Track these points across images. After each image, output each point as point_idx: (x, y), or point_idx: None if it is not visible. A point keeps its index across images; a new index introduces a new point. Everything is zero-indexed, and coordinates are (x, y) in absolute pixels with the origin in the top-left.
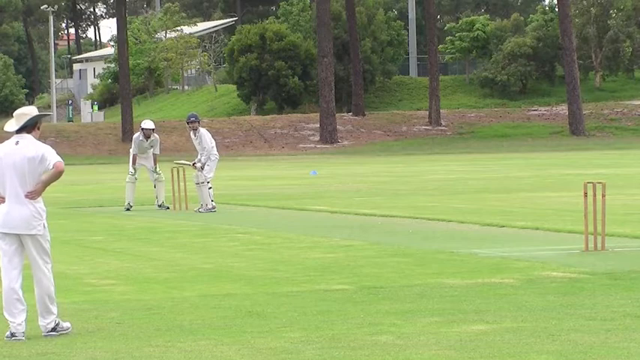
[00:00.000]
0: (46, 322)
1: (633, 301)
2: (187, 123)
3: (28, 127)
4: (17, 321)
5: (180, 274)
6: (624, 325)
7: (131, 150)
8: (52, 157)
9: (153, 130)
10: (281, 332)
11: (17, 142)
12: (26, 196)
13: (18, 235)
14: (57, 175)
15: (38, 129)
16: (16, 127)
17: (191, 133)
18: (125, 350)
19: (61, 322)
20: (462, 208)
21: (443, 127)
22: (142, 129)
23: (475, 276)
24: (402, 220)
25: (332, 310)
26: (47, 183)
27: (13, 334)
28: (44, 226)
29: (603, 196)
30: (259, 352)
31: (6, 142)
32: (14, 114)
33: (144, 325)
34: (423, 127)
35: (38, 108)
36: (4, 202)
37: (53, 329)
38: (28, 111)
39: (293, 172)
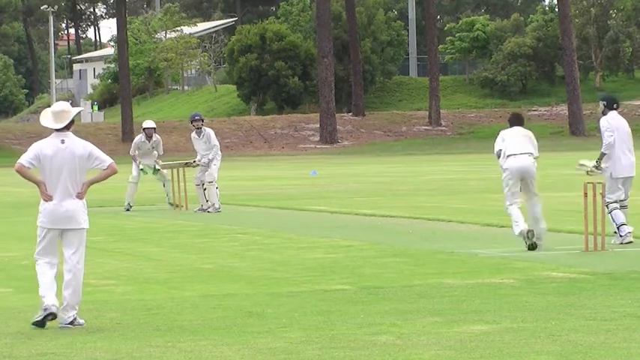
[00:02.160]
0: (68, 315)
1: (633, 301)
2: (191, 122)
3: (67, 124)
4: (50, 301)
5: (180, 274)
6: (624, 326)
7: (130, 152)
8: (105, 157)
9: (154, 129)
10: (281, 332)
11: (63, 141)
12: (77, 197)
13: (61, 230)
14: (110, 175)
15: (73, 124)
16: (60, 126)
17: (194, 132)
18: (125, 350)
19: (78, 318)
20: (462, 208)
21: (443, 128)
22: (144, 129)
23: (475, 276)
24: (402, 220)
25: (332, 310)
26: (94, 182)
27: (46, 309)
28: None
29: (603, 196)
30: (259, 353)
31: (49, 140)
32: (52, 110)
33: (144, 325)
34: (423, 127)
35: (39, 108)
36: (50, 199)
37: (71, 322)
38: (68, 108)
39: (293, 172)
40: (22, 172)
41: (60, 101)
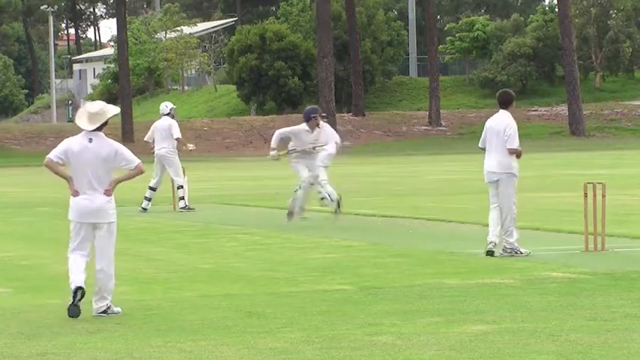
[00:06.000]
0: (100, 306)
1: (633, 302)
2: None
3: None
4: (78, 280)
5: (180, 274)
6: (624, 326)
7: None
8: (133, 158)
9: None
10: (281, 333)
11: (90, 140)
12: (105, 194)
13: (92, 224)
14: (137, 174)
15: (106, 124)
16: (92, 128)
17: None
18: (125, 350)
19: (112, 306)
20: (461, 208)
21: (443, 128)
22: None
23: (475, 276)
24: (402, 220)
25: (332, 310)
26: (121, 181)
27: (76, 287)
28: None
29: (603, 196)
30: (259, 353)
31: (78, 138)
32: (88, 112)
33: (144, 325)
34: (423, 127)
35: (39, 108)
36: (77, 195)
37: (104, 311)
38: (102, 111)
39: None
40: (51, 166)
41: (97, 101)
